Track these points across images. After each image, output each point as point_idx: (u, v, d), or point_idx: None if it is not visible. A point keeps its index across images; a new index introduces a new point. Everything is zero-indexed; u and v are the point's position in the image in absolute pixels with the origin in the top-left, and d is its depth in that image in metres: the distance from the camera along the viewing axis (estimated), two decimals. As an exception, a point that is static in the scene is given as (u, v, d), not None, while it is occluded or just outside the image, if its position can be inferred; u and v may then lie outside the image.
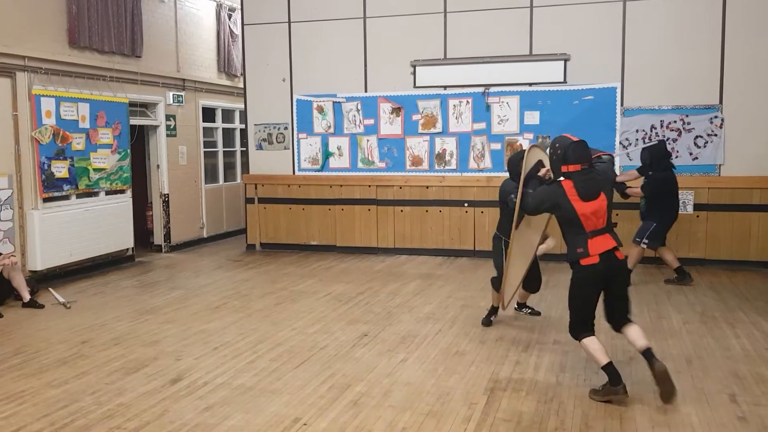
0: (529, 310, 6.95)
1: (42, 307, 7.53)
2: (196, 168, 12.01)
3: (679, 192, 9.05)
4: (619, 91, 9.58)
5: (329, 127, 10.88)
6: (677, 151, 9.39)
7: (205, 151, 12.30)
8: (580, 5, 9.63)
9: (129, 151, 10.19)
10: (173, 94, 11.27)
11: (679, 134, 9.39)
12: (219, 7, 12.56)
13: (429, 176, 10.44)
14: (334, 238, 11.00)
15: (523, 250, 6.10)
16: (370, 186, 10.75)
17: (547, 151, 5.18)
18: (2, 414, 4.60)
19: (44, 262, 8.67)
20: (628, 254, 8.19)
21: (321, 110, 10.88)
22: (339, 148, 10.87)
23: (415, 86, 10.40)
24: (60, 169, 8.93)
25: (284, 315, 7.09)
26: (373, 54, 10.60)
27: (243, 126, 11.95)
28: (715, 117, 9.25)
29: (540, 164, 5.55)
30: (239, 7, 11.64)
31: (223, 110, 12.89)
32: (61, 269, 9.01)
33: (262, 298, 7.91)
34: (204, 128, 12.31)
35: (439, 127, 10.34)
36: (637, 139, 9.53)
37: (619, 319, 4.89)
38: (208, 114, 12.53)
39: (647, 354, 4.65)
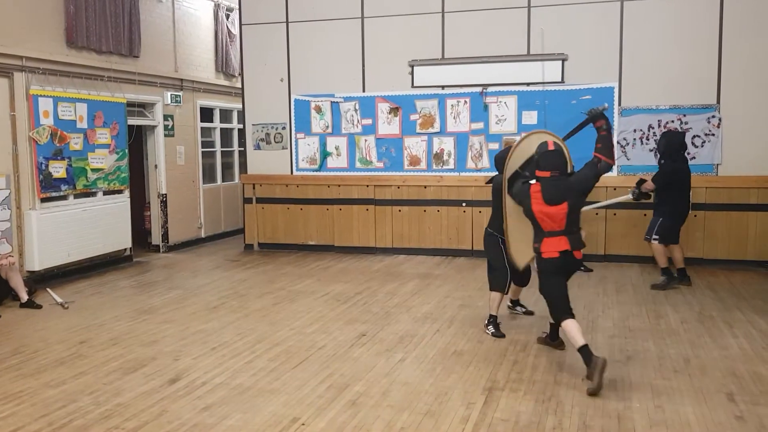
0: (524, 310, 6.95)
1: (40, 307, 7.53)
2: (194, 168, 12.00)
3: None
4: (616, 90, 9.59)
5: (327, 127, 10.88)
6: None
7: (203, 151, 12.30)
8: (577, 5, 9.64)
9: (127, 151, 10.18)
10: (171, 94, 11.26)
11: (677, 134, 9.40)
12: (217, 7, 12.56)
13: (427, 176, 10.44)
14: (332, 238, 11.00)
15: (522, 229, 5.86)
16: (368, 186, 10.75)
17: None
18: (0, 414, 4.60)
19: (42, 262, 8.66)
20: (653, 253, 8.16)
21: (319, 110, 10.88)
22: (337, 148, 10.87)
23: (413, 86, 10.40)
24: (58, 169, 8.92)
25: (282, 315, 7.09)
26: (371, 54, 10.61)
27: (241, 126, 11.95)
28: (713, 117, 9.27)
29: (542, 145, 5.54)
30: (237, 7, 11.63)
31: (221, 110, 12.89)
32: (58, 269, 9.00)
33: (260, 298, 7.91)
34: (202, 128, 12.30)
35: (437, 127, 10.34)
36: (634, 139, 9.54)
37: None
38: (206, 114, 12.53)
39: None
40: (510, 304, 6.95)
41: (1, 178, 8.23)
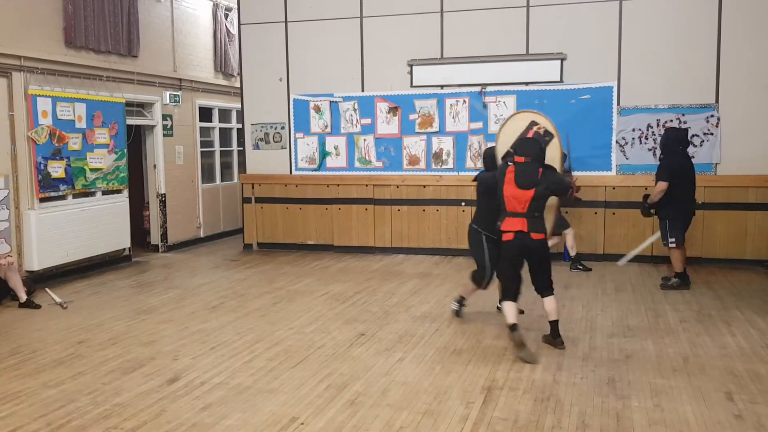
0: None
1: (39, 307, 7.52)
2: (192, 168, 12.00)
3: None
4: (615, 90, 9.59)
5: (326, 126, 10.87)
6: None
7: (202, 151, 12.29)
8: (576, 4, 9.64)
9: (126, 150, 10.18)
10: (170, 94, 11.26)
11: (676, 133, 9.40)
12: (216, 6, 12.55)
13: (426, 175, 10.45)
14: (331, 238, 11.00)
15: None
16: (367, 185, 10.75)
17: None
18: (-1, 414, 4.60)
19: (41, 262, 8.66)
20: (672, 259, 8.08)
21: (318, 110, 10.88)
22: (336, 148, 10.87)
23: (412, 86, 10.40)
24: (56, 169, 8.91)
25: (281, 314, 7.09)
26: (369, 53, 10.61)
27: (240, 126, 11.94)
28: (711, 116, 9.27)
29: (533, 123, 6.29)
30: (236, 6, 11.62)
31: (219, 110, 12.89)
32: (57, 269, 9.00)
33: (259, 297, 7.91)
34: (201, 128, 12.30)
35: (436, 127, 10.34)
36: (633, 138, 9.55)
37: (537, 288, 5.90)
38: (205, 114, 12.52)
39: (552, 324, 5.82)
40: (499, 306, 6.89)
41: (0, 178, 8.22)
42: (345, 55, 10.69)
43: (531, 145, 5.85)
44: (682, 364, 5.39)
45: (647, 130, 9.49)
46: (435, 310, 7.12)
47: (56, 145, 8.87)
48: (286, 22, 10.92)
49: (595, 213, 9.77)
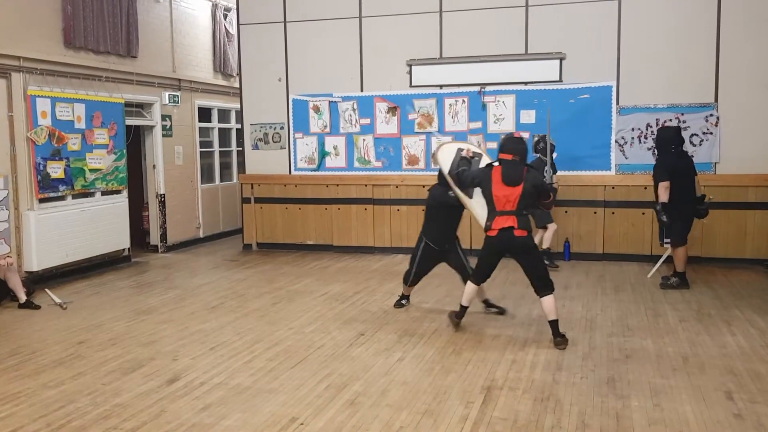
0: (495, 309, 6.92)
1: (38, 307, 7.52)
2: (192, 168, 12.00)
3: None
4: (614, 89, 9.60)
5: (325, 126, 10.87)
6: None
7: (201, 151, 12.29)
8: (575, 4, 9.64)
9: (125, 151, 10.18)
10: (169, 94, 11.25)
11: (675, 132, 9.40)
12: (214, 7, 12.55)
13: (425, 175, 10.43)
14: (331, 238, 11.00)
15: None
16: (366, 185, 10.75)
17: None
18: (-1, 415, 4.60)
19: (40, 262, 8.65)
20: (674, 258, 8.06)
21: (317, 110, 10.88)
22: (335, 148, 10.87)
23: (411, 85, 10.40)
24: (56, 169, 8.91)
25: (281, 315, 7.09)
26: (369, 53, 10.61)
27: (239, 126, 11.94)
28: (711, 115, 9.27)
29: (459, 150, 6.67)
30: (235, 6, 11.62)
31: (219, 110, 12.89)
32: (57, 270, 9.00)
33: (259, 297, 7.91)
34: (200, 128, 12.30)
35: (435, 126, 10.35)
36: (632, 138, 9.55)
37: (535, 289, 6.01)
38: (204, 114, 12.52)
39: (552, 324, 5.89)
40: (483, 305, 6.98)
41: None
42: (344, 55, 10.69)
43: (518, 143, 6.07)
44: (682, 363, 5.39)
45: (646, 129, 9.49)
46: (434, 310, 7.12)
47: (55, 145, 8.87)
48: (285, 22, 10.92)
49: (595, 212, 9.77)
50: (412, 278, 7.11)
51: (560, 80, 9.76)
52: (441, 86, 10.31)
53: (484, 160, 6.70)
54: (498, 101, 10.06)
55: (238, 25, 11.32)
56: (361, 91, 10.67)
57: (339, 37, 10.67)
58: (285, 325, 6.69)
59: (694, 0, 9.27)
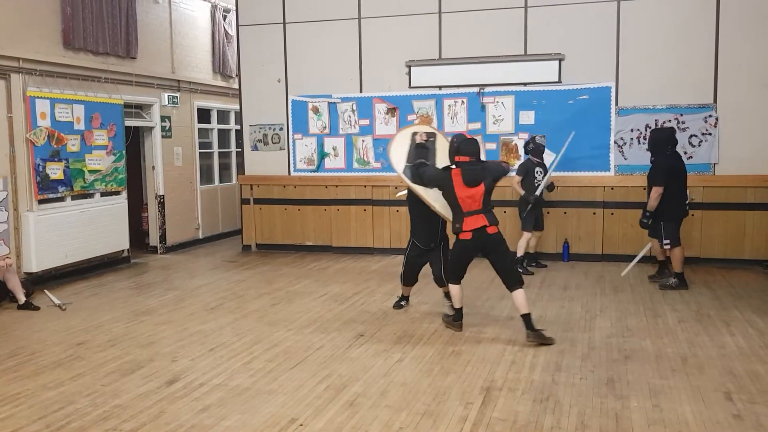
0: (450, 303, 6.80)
1: (37, 309, 7.52)
2: (191, 169, 12.00)
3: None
4: (613, 90, 9.61)
5: (324, 127, 10.88)
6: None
7: (200, 152, 12.29)
8: (574, 5, 9.65)
9: (124, 152, 10.18)
10: (168, 95, 11.26)
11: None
12: (214, 8, 12.55)
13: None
14: (330, 239, 11.00)
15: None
16: (365, 186, 10.76)
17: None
18: (-2, 416, 4.60)
19: (39, 263, 8.65)
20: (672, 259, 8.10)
21: (316, 111, 10.88)
22: (334, 149, 10.87)
23: (410, 86, 10.40)
24: (55, 170, 8.91)
25: (280, 316, 7.09)
26: (368, 54, 10.61)
27: (238, 127, 11.94)
28: (710, 116, 9.28)
29: (414, 135, 6.67)
30: (234, 8, 11.62)
31: (218, 111, 12.89)
32: (56, 271, 8.99)
33: (258, 298, 7.91)
34: (199, 129, 12.30)
35: (434, 126, 10.33)
36: (632, 139, 9.56)
37: (507, 284, 6.12)
38: (204, 115, 12.52)
39: (525, 318, 5.96)
40: (445, 297, 6.95)
41: (-2, 179, 8.23)
42: (343, 56, 10.69)
43: (472, 144, 6.19)
44: (681, 364, 5.40)
45: (646, 130, 9.48)
46: (434, 311, 7.11)
47: (55, 146, 8.87)
48: (284, 23, 10.93)
49: (594, 213, 9.78)
50: (403, 277, 7.12)
51: (559, 81, 9.77)
52: (440, 87, 10.31)
53: (440, 139, 6.76)
54: (497, 102, 10.06)
55: (238, 26, 11.32)
56: (361, 92, 10.67)
57: (338, 38, 10.67)
58: (284, 326, 6.69)
59: (693, 1, 9.28)
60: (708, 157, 9.33)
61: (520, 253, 9.01)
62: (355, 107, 10.68)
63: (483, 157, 6.81)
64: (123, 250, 10.30)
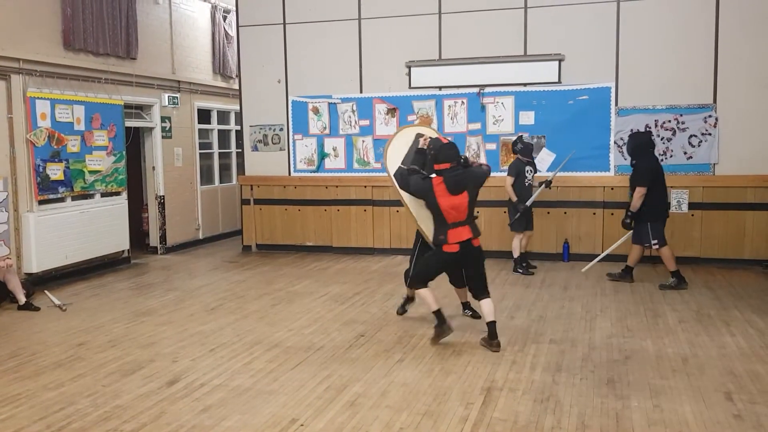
0: (470, 313, 6.79)
1: (38, 309, 7.52)
2: (191, 169, 12.00)
3: (675, 191, 9.17)
4: (613, 90, 9.61)
5: (325, 128, 10.88)
6: (672, 151, 9.43)
7: (200, 153, 12.30)
8: (574, 6, 9.65)
9: (124, 152, 10.18)
10: (168, 96, 11.26)
11: (674, 134, 9.42)
12: (214, 8, 12.56)
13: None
14: (330, 239, 11.00)
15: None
16: (365, 186, 10.76)
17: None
18: (-1, 417, 4.60)
19: (40, 264, 8.65)
20: (629, 252, 8.24)
21: (316, 111, 10.89)
22: (334, 149, 10.87)
23: (410, 87, 10.41)
24: (55, 171, 8.91)
25: (280, 316, 7.09)
26: (368, 55, 10.61)
27: (239, 127, 11.95)
28: (709, 116, 9.29)
29: (418, 136, 6.38)
30: (234, 8, 11.63)
31: (218, 112, 12.89)
32: (56, 271, 8.99)
33: (259, 299, 7.91)
34: (199, 130, 12.31)
35: (434, 128, 10.33)
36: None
37: (475, 292, 5.99)
38: (204, 115, 12.53)
39: (490, 325, 5.81)
40: (462, 308, 6.89)
41: (-1, 180, 8.24)
42: (343, 57, 10.69)
43: (450, 149, 5.85)
44: (682, 364, 5.40)
45: (645, 130, 9.49)
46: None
47: (55, 147, 8.87)
48: (284, 24, 10.93)
49: (594, 213, 9.78)
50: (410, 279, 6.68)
51: (559, 81, 9.78)
52: (440, 88, 10.32)
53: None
54: (497, 102, 10.07)
55: (238, 26, 11.33)
56: (361, 92, 10.68)
57: (338, 38, 10.68)
58: (285, 326, 6.69)
59: (693, 1, 9.29)
60: (708, 157, 9.33)
61: (515, 254, 9.03)
62: (355, 108, 10.68)
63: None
64: (123, 251, 10.30)
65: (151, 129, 11.10)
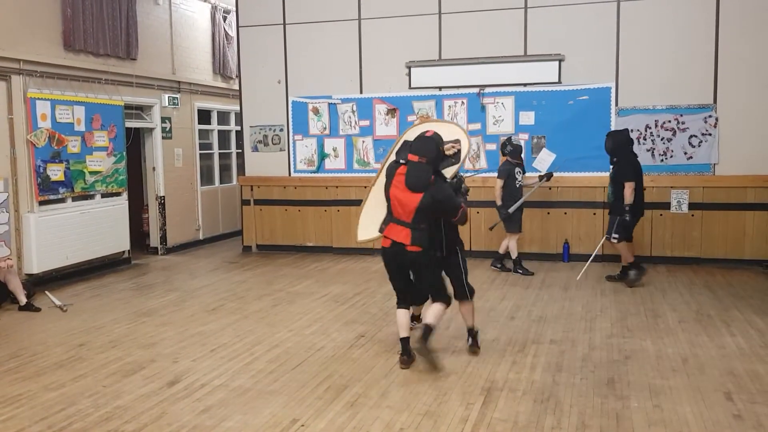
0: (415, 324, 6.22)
1: (38, 310, 7.53)
2: (191, 170, 12.01)
3: (675, 191, 9.19)
4: (613, 91, 9.61)
5: (325, 128, 10.89)
6: (672, 151, 9.44)
7: (200, 153, 12.30)
8: (574, 5, 9.66)
9: (125, 153, 10.19)
10: (169, 97, 11.27)
11: (674, 134, 9.43)
12: (214, 9, 12.56)
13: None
14: (331, 240, 11.00)
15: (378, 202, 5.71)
16: (366, 187, 10.70)
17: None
18: (0, 417, 4.60)
19: (40, 265, 8.65)
20: (620, 253, 8.30)
21: (316, 112, 10.89)
22: (334, 150, 10.88)
23: (410, 87, 10.41)
24: (56, 172, 8.92)
25: (281, 316, 7.10)
26: (368, 55, 10.62)
27: (239, 128, 11.95)
28: (710, 116, 9.29)
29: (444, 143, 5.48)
30: (234, 9, 11.64)
31: (218, 112, 12.89)
32: (57, 272, 9.00)
33: (259, 299, 7.92)
34: (200, 130, 12.31)
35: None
36: (631, 140, 9.54)
37: (413, 299, 5.69)
38: (204, 116, 12.53)
39: (425, 328, 5.28)
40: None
41: (0, 181, 8.25)
42: (343, 57, 10.70)
43: (426, 143, 5.22)
44: (682, 364, 5.41)
45: (645, 131, 9.51)
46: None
47: (55, 148, 8.87)
48: (284, 24, 10.93)
49: (594, 214, 9.79)
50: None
51: (559, 82, 9.78)
52: (440, 88, 10.32)
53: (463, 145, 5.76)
54: (497, 103, 10.07)
55: (238, 27, 11.33)
56: (361, 92, 10.68)
57: (338, 39, 10.68)
58: (285, 326, 6.69)
59: (693, 1, 9.29)
60: (708, 157, 9.34)
61: (513, 255, 9.05)
62: (355, 108, 10.69)
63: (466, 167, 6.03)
64: (124, 251, 10.30)
65: (151, 129, 11.10)
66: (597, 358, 5.59)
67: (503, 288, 8.19)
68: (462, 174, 5.84)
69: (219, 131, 12.99)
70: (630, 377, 5.11)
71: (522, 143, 9.40)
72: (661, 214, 9.54)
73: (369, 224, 5.84)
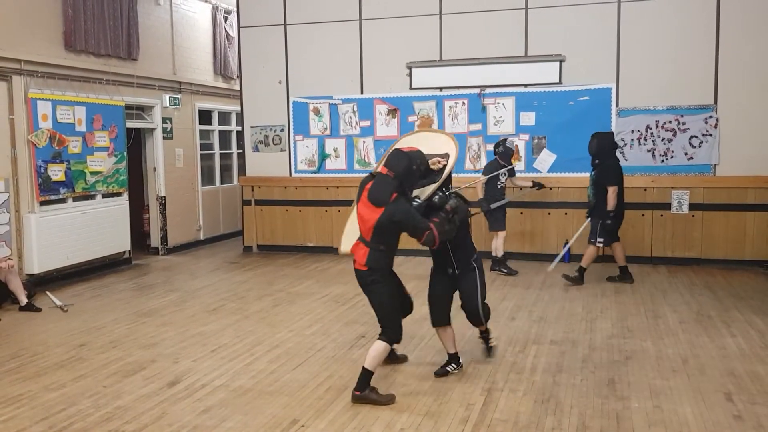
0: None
1: (39, 310, 7.53)
2: (192, 170, 12.01)
3: (675, 191, 9.20)
4: (614, 91, 9.61)
5: (325, 128, 10.89)
6: (672, 151, 9.43)
7: (201, 154, 12.30)
8: (574, 6, 9.66)
9: (125, 153, 10.19)
10: (169, 97, 11.27)
11: (674, 134, 9.42)
12: (215, 9, 12.57)
13: (425, 177, 10.43)
14: (331, 240, 11.00)
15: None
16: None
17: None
18: (0, 417, 4.61)
19: (41, 265, 8.66)
20: (584, 253, 8.33)
21: (317, 112, 10.90)
22: (335, 150, 10.88)
23: (411, 88, 10.41)
24: (56, 172, 8.92)
25: (282, 317, 7.10)
26: (368, 56, 10.62)
27: (239, 128, 11.95)
28: (710, 117, 9.29)
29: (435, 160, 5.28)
30: (235, 9, 11.64)
31: (219, 112, 12.90)
32: (58, 272, 9.00)
33: (260, 300, 7.92)
34: (200, 131, 12.32)
35: (435, 129, 10.35)
36: (632, 140, 9.56)
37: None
38: (205, 116, 12.54)
39: (361, 374, 4.72)
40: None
41: (0, 181, 8.23)
42: (344, 58, 10.70)
43: (398, 158, 4.82)
44: (682, 365, 5.41)
45: (646, 131, 9.50)
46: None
47: (56, 148, 8.88)
48: (285, 24, 10.94)
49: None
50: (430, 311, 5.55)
51: (560, 82, 9.78)
52: (441, 88, 10.32)
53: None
54: (498, 103, 10.07)
55: (239, 27, 11.34)
56: (361, 93, 10.68)
57: (339, 39, 10.68)
58: (286, 327, 6.70)
59: (694, 2, 9.29)
60: (708, 158, 9.34)
61: (499, 254, 9.05)
62: (355, 108, 10.69)
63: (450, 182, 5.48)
64: (124, 252, 10.31)
65: (152, 130, 11.11)
66: (597, 358, 5.59)
67: (504, 288, 8.19)
68: (454, 190, 5.48)
69: (220, 131, 12.99)
70: (630, 378, 5.12)
71: (516, 147, 9.38)
72: (661, 215, 9.54)
73: (352, 236, 5.29)
